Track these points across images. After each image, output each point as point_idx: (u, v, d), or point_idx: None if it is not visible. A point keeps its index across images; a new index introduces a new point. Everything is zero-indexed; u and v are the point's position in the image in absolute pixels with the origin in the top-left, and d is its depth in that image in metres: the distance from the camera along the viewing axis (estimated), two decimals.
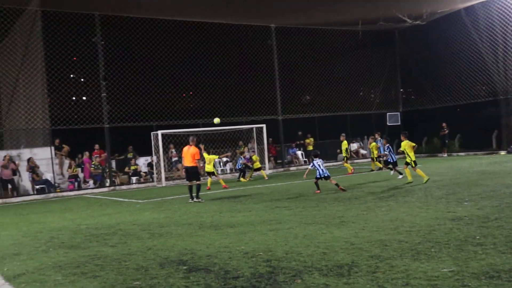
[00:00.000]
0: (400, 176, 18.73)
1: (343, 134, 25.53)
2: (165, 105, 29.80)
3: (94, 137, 27.15)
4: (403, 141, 17.22)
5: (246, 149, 27.52)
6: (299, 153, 33.11)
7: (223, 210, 13.72)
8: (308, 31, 32.32)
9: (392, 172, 20.59)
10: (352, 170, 23.95)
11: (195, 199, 16.25)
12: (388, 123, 35.97)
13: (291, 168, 30.97)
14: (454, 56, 31.99)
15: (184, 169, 17.25)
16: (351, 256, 7.12)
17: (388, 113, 36.12)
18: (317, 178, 16.33)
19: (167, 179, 26.55)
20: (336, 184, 16.07)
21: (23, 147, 26.07)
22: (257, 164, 25.25)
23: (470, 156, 30.10)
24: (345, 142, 24.90)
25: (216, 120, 20.31)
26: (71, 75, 28.50)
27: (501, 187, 13.65)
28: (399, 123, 36.10)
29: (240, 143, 30.47)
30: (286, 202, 14.44)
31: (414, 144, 17.11)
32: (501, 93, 31.36)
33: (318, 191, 16.10)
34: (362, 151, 35.34)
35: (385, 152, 20.74)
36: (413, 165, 16.89)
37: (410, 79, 37.59)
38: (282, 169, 30.88)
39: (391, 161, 20.23)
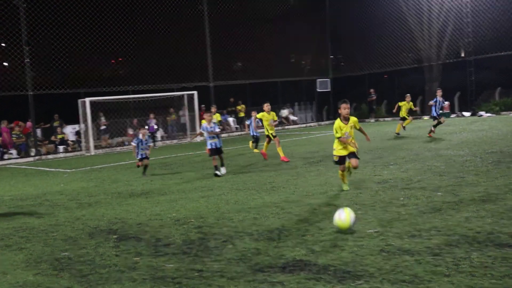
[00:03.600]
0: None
1: (408, 95, 21.56)
2: (94, 72, 28.87)
3: (18, 105, 26.00)
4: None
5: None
6: (230, 119, 33.09)
7: (154, 177, 13.60)
8: None
9: None
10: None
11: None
12: (318, 90, 36.51)
13: (223, 135, 30.91)
14: (382, 23, 32.69)
15: None
16: (281, 220, 7.26)
17: (318, 80, 36.61)
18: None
19: (96, 147, 25.95)
20: None
21: None
22: None
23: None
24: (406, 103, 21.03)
25: None
26: None
27: (424, 150, 14.22)
28: (329, 90, 36.72)
29: (171, 110, 30.10)
30: None
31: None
32: (425, 60, 32.47)
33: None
34: (293, 117, 35.77)
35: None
36: None
37: (340, 46, 38.16)
38: None
39: None
